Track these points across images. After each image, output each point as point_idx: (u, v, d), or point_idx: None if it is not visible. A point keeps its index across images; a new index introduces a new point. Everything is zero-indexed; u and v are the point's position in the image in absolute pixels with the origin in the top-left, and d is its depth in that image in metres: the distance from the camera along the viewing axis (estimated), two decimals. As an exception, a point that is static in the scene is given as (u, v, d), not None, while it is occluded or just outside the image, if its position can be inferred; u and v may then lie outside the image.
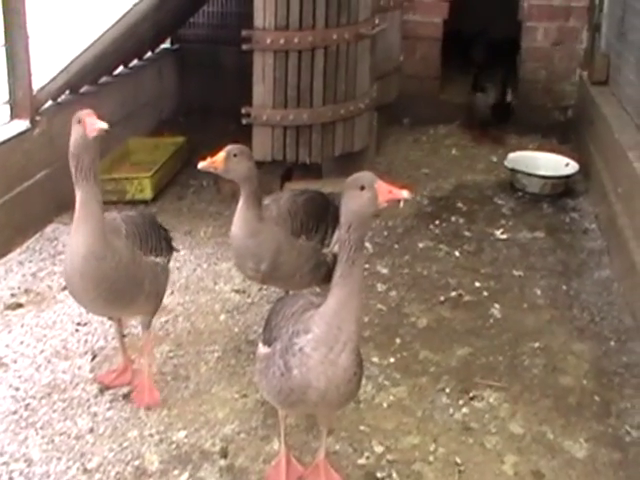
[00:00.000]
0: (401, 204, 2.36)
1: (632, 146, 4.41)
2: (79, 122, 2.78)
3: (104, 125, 2.76)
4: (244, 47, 4.61)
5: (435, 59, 6.64)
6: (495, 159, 5.76)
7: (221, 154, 3.14)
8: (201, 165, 3.12)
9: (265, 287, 3.93)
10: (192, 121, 6.31)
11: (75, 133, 2.79)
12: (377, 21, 5.23)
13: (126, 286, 2.88)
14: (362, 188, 2.32)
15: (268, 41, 4.63)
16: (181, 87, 6.67)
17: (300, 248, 3.29)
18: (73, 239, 2.82)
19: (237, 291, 3.98)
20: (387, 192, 2.32)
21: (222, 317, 3.75)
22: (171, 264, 3.30)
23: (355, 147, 5.09)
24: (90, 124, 2.76)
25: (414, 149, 6.09)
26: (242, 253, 3.24)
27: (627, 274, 3.99)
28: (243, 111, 4.67)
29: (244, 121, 4.67)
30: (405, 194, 2.33)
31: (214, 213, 4.84)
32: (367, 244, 4.38)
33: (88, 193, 2.78)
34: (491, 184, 5.46)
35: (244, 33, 4.61)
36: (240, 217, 3.22)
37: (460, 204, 5.12)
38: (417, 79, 6.59)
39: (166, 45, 6.66)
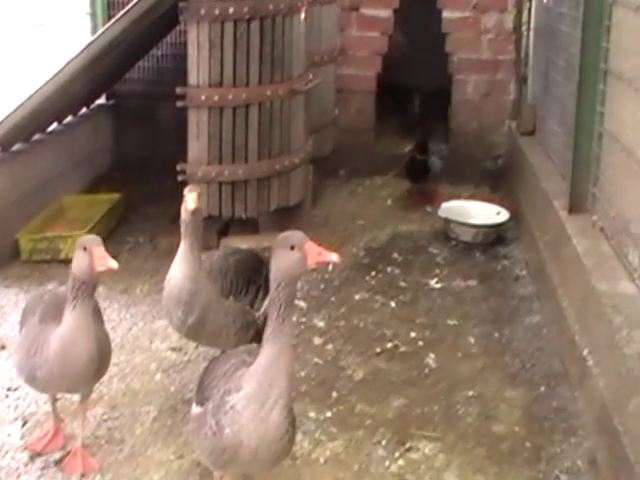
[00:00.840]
0: (330, 267, 2.41)
1: (557, 194, 4.56)
2: (85, 250, 2.76)
3: (114, 265, 2.74)
4: (178, 104, 4.69)
5: (369, 112, 6.79)
6: (429, 209, 5.87)
7: (194, 194, 3.27)
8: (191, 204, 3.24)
9: (201, 345, 3.89)
10: (128, 177, 6.30)
11: (81, 260, 2.76)
12: (311, 76, 5.33)
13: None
14: (292, 248, 2.36)
15: (202, 98, 4.71)
16: (117, 143, 6.68)
17: (228, 308, 3.32)
18: None
19: (174, 349, 3.97)
20: (317, 254, 2.36)
21: (158, 376, 3.73)
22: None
23: (291, 201, 5.17)
24: (99, 258, 2.74)
25: (350, 200, 6.20)
26: (175, 297, 3.27)
27: (555, 320, 4.10)
28: (178, 168, 4.72)
29: (179, 178, 4.71)
30: (334, 257, 2.39)
31: (150, 270, 4.83)
32: (301, 302, 4.43)
33: (83, 310, 2.79)
34: (426, 234, 5.57)
35: (178, 90, 4.69)
36: (182, 259, 3.28)
37: (396, 254, 5.21)
38: (352, 131, 6.72)
39: (101, 101, 6.67)
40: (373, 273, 4.92)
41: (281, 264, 2.37)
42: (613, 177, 3.92)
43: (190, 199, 3.28)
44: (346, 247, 5.29)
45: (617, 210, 3.79)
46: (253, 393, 2.37)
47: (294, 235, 2.40)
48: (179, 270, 3.30)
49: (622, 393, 2.98)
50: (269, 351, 2.38)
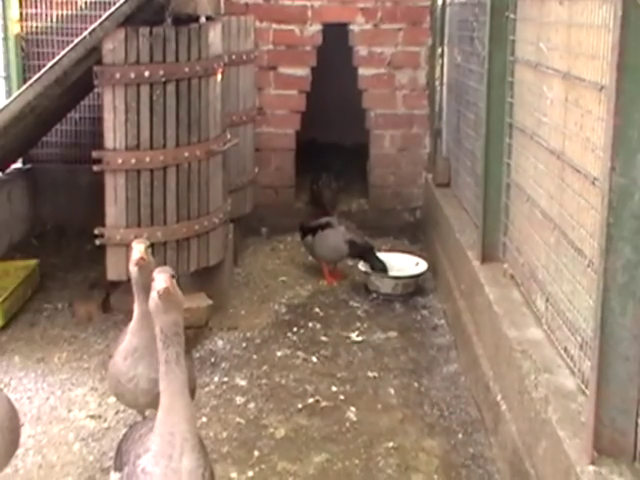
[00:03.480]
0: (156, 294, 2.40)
1: (471, 245, 4.69)
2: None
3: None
4: (95, 168, 4.66)
5: (289, 169, 6.90)
6: (350, 262, 5.96)
7: (141, 245, 3.21)
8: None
9: (122, 410, 3.93)
10: (45, 243, 6.25)
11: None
12: (229, 136, 5.39)
13: None
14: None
15: (119, 161, 4.71)
16: (33, 208, 6.59)
17: None
18: None
19: (92, 417, 3.93)
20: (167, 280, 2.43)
21: (76, 446, 3.68)
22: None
23: (210, 262, 5.18)
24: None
25: (272, 258, 6.26)
26: (137, 396, 3.20)
27: (471, 368, 4.20)
28: (96, 232, 4.71)
29: (97, 242, 4.71)
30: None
31: (69, 337, 4.80)
32: (223, 363, 4.47)
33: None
34: (346, 288, 5.65)
35: (95, 154, 4.67)
36: (137, 338, 3.21)
37: (317, 309, 5.28)
38: (272, 189, 6.83)
39: (17, 165, 6.58)
40: (295, 329, 4.97)
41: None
42: (521, 226, 4.05)
43: (136, 250, 3.19)
44: (268, 304, 5.35)
45: (525, 258, 3.92)
46: (159, 449, 2.35)
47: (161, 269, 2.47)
48: (145, 369, 3.14)
49: (532, 437, 3.08)
50: (163, 401, 2.38)
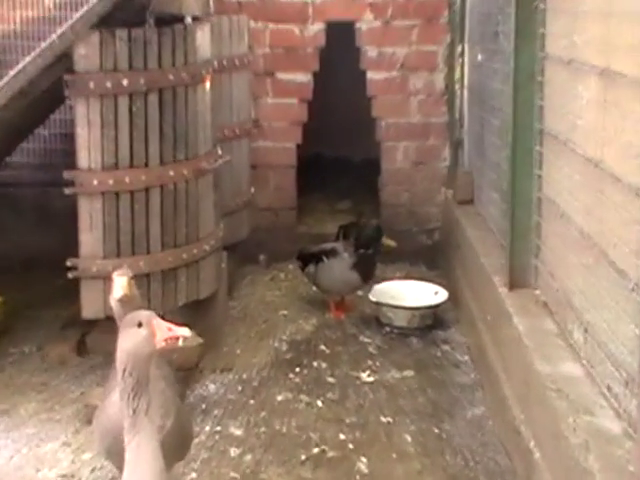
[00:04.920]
0: (180, 342, 2.45)
1: (497, 270, 4.64)
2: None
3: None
4: (67, 191, 4.62)
5: (290, 188, 6.89)
6: (360, 292, 5.94)
7: (124, 279, 3.17)
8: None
9: (98, 468, 3.87)
10: (11, 279, 5.97)
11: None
12: (220, 152, 5.39)
13: None
14: (139, 325, 2.44)
15: (95, 183, 4.67)
16: (-3, 240, 6.43)
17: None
18: None
19: (64, 476, 3.87)
20: (166, 330, 2.44)
21: (45, 512, 3.64)
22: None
23: (201, 294, 5.14)
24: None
25: (271, 289, 6.25)
26: None
27: (499, 410, 4.16)
28: (69, 263, 4.67)
29: (70, 275, 4.67)
30: (185, 332, 2.45)
31: (38, 385, 4.73)
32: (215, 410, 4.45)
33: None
34: (355, 321, 5.64)
35: (66, 175, 4.64)
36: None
37: (322, 346, 5.27)
38: (271, 211, 6.82)
39: (-22, 190, 6.43)
40: (297, 369, 4.95)
41: (127, 343, 2.44)
42: (554, 246, 4.01)
43: (118, 285, 3.15)
44: (267, 341, 5.34)
45: (560, 283, 3.88)
46: None
47: (140, 313, 2.50)
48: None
49: (570, 488, 3.03)
50: (128, 456, 2.39)
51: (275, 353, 5.18)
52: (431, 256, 6.65)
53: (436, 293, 5.70)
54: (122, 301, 3.16)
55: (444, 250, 6.53)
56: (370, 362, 5.05)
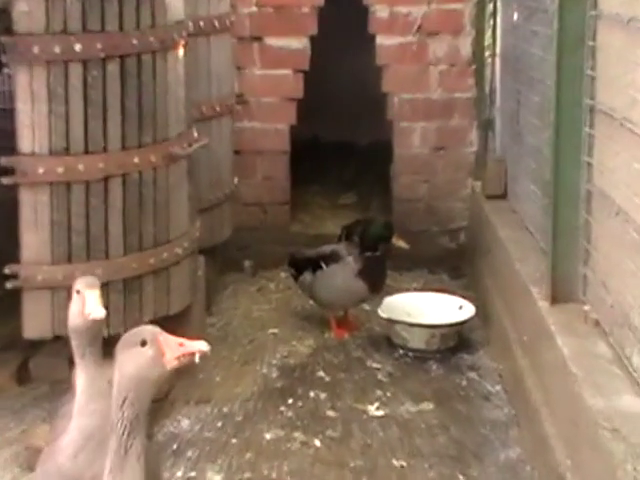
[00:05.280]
0: (196, 359, 2.47)
1: (536, 279, 4.66)
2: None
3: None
4: (4, 181, 4.60)
5: (282, 179, 6.90)
6: (367, 306, 5.94)
7: (95, 292, 3.18)
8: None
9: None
10: None
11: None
12: (196, 135, 5.39)
13: None
14: (143, 343, 2.46)
15: (40, 171, 4.65)
16: None
17: None
18: None
19: None
20: (176, 345, 2.46)
21: None
22: None
23: (172, 309, 5.12)
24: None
25: (259, 302, 6.27)
26: None
27: (539, 453, 4.14)
28: (7, 271, 4.65)
29: (9, 285, 4.64)
30: (202, 346, 2.47)
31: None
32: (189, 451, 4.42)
33: None
34: (362, 342, 5.66)
35: (4, 161, 4.62)
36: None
37: (321, 373, 5.27)
38: (259, 207, 6.84)
39: None
40: (290, 401, 4.95)
41: (129, 367, 2.45)
42: (609, 251, 3.99)
43: (91, 300, 3.13)
44: (253, 366, 5.34)
45: (615, 296, 3.86)
46: None
47: (144, 329, 2.54)
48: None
49: None
50: None
51: (263, 381, 5.17)
52: (455, 262, 6.68)
53: (460, 308, 5.70)
54: (96, 321, 3.12)
55: (471, 255, 6.55)
56: (380, 392, 5.04)
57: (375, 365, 5.36)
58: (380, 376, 5.23)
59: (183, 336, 2.59)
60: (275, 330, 5.84)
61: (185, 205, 5.23)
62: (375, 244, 5.68)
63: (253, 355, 5.50)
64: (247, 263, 6.72)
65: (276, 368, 5.34)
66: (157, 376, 2.46)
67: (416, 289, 6.18)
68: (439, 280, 6.45)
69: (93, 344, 3.12)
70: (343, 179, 7.50)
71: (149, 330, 2.51)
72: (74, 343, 3.18)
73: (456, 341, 5.54)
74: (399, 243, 5.77)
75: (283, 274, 6.56)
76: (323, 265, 5.75)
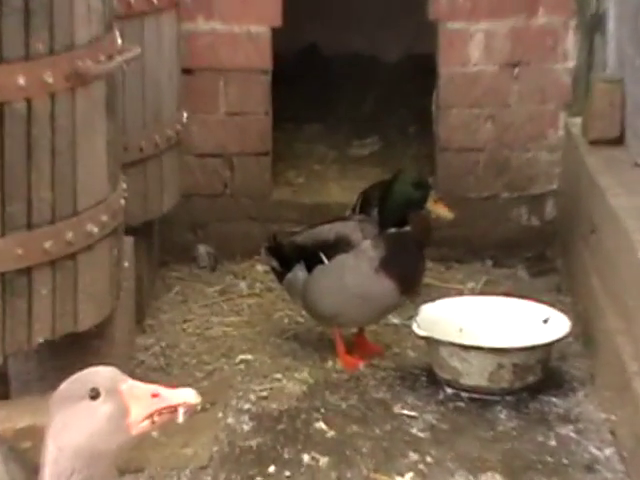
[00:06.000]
0: (180, 417, 2.48)
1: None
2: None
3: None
4: None
5: (260, 114, 6.97)
6: (395, 319, 6.07)
7: None
8: None
9: None
10: None
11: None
12: (119, 42, 5.41)
13: None
14: (94, 396, 2.46)
15: None
16: None
17: None
18: None
19: None
20: (148, 398, 2.46)
21: None
22: None
23: (81, 322, 5.16)
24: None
25: (222, 311, 6.36)
26: None
27: None
28: None
29: None
30: (189, 396, 2.48)
31: None
32: None
33: None
34: (387, 375, 5.72)
35: None
36: None
37: (321, 425, 5.32)
38: (222, 160, 6.92)
39: None
40: (272, 469, 4.98)
41: (72, 435, 2.48)
42: None
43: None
44: (212, 414, 5.34)
45: None
46: None
47: (94, 372, 2.53)
48: None
49: None
50: None
51: (228, 437, 5.22)
52: (537, 249, 6.77)
53: (546, 321, 5.73)
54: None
55: (564, 238, 6.63)
56: (415, 456, 5.07)
57: (407, 412, 5.39)
58: (415, 430, 5.26)
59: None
60: (248, 356, 5.89)
61: (102, 156, 5.25)
62: (401, 213, 5.69)
63: (212, 396, 5.46)
64: (203, 250, 6.79)
65: (249, 417, 5.37)
66: (117, 447, 2.50)
67: (473, 291, 6.25)
68: (511, 277, 6.52)
69: None
70: (358, 114, 7.55)
71: (104, 374, 2.52)
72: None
73: (539, 375, 5.54)
74: (439, 209, 5.79)
75: (260, 268, 6.65)
76: (323, 257, 5.82)
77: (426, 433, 5.25)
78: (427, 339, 5.61)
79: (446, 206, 5.78)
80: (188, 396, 2.47)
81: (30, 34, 4.91)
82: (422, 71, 7.07)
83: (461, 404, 5.47)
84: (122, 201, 5.43)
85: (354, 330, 5.96)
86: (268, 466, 5.01)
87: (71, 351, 5.15)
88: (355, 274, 5.72)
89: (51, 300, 5.09)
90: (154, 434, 5.12)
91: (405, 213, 5.67)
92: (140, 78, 5.91)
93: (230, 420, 5.35)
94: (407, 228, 5.68)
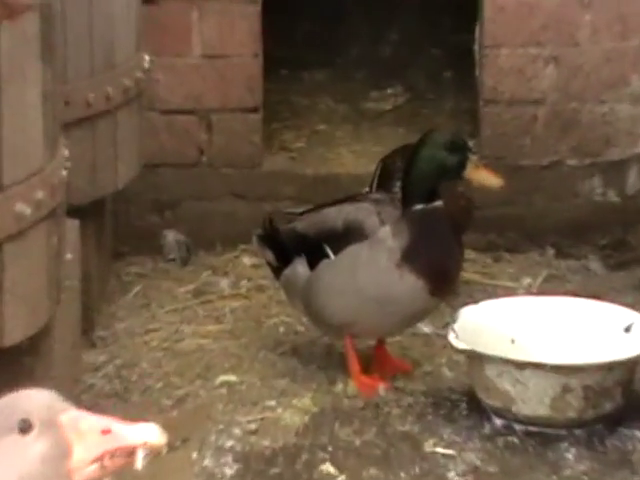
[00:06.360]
0: (138, 462, 2.46)
1: None
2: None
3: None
4: None
5: (247, 56, 6.98)
6: (425, 327, 6.08)
7: None
8: None
9: None
10: None
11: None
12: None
13: None
14: (25, 429, 2.44)
15: None
16: None
17: None
18: None
19: None
20: (97, 435, 2.44)
21: None
22: None
23: (8, 335, 5.15)
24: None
25: (197, 318, 6.40)
26: None
27: None
28: None
29: None
30: (151, 434, 2.46)
31: None
32: None
33: None
34: (415, 402, 5.70)
35: None
36: None
37: (329, 467, 5.35)
38: (197, 117, 6.91)
39: None
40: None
41: None
42: None
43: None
44: (185, 453, 5.40)
45: None
46: None
47: (27, 399, 2.54)
48: None
49: None
50: None
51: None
52: (616, 234, 6.74)
53: (628, 329, 5.68)
54: None
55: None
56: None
57: (442, 451, 5.40)
58: (453, 474, 5.27)
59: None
60: (231, 377, 5.92)
61: (35, 112, 5.25)
62: (431, 184, 5.66)
63: (184, 431, 5.56)
64: (171, 237, 6.80)
65: (233, 458, 5.39)
66: None
67: (530, 290, 6.21)
68: (580, 270, 6.51)
69: None
70: (376, 57, 7.53)
71: (39, 401, 2.55)
72: None
73: (618, 402, 5.51)
74: (481, 177, 5.72)
75: (247, 260, 6.70)
76: (329, 251, 5.82)
77: (467, 478, 5.23)
78: (468, 353, 5.57)
79: (492, 172, 5.70)
80: (150, 433, 2.46)
81: None
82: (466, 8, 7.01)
83: (514, 440, 5.44)
84: (63, 173, 5.38)
85: (372, 342, 5.97)
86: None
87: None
88: (371, 270, 5.73)
89: (-35, 306, 5.06)
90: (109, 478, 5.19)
91: (436, 184, 5.63)
92: (86, 8, 5.86)
93: (208, 462, 5.37)
94: (439, 203, 5.62)
